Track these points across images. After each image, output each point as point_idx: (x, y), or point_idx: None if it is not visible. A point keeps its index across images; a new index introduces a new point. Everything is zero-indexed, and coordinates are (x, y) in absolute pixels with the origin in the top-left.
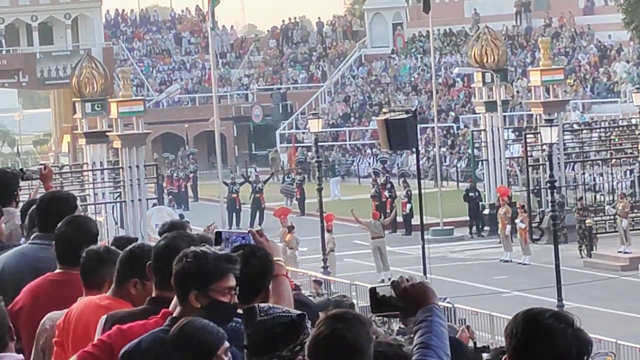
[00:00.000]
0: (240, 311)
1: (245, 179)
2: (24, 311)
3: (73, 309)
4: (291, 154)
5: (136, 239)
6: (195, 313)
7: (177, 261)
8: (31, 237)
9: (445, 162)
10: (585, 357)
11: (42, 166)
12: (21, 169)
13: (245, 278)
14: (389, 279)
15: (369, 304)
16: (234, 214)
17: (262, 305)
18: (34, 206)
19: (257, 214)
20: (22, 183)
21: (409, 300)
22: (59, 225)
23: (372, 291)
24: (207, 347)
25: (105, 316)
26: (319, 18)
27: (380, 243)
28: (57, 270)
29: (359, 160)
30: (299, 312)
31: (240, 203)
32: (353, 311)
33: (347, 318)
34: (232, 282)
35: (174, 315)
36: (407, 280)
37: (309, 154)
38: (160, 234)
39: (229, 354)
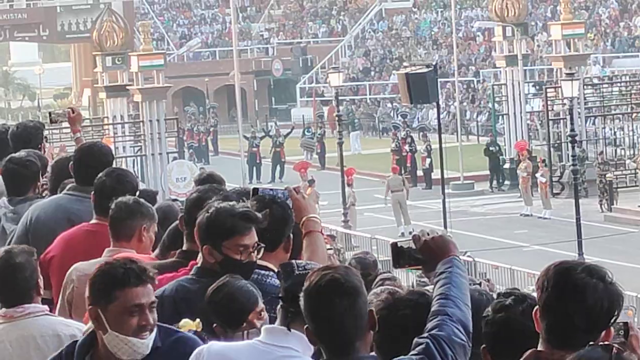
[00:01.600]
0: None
1: (265, 133)
2: (55, 259)
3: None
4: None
5: (156, 192)
6: (212, 266)
7: (200, 214)
8: (66, 188)
9: (465, 116)
10: (616, 311)
11: (70, 109)
12: (50, 112)
13: (266, 226)
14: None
15: (390, 257)
16: (254, 168)
17: (299, 261)
18: (56, 159)
19: (278, 167)
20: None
21: (430, 253)
22: (99, 175)
23: (394, 245)
24: (240, 307)
25: None
26: None
27: (400, 197)
28: (93, 221)
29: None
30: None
31: (261, 157)
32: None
33: (335, 266)
34: (248, 240)
35: (198, 265)
36: (428, 234)
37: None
38: (195, 182)
39: (265, 314)
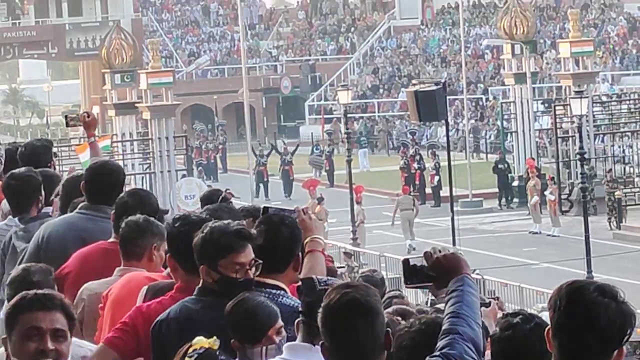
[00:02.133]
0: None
1: (273, 147)
2: (70, 276)
3: (123, 279)
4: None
5: (167, 211)
6: (212, 285)
7: (195, 235)
8: (78, 207)
9: (474, 134)
10: (628, 330)
11: (86, 113)
12: (65, 115)
13: (275, 246)
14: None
15: (402, 275)
16: (262, 185)
17: (319, 277)
18: (67, 177)
19: (287, 186)
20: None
21: (442, 270)
22: (120, 195)
23: (406, 262)
24: (261, 322)
25: (146, 287)
26: None
27: (410, 215)
28: (111, 240)
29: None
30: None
31: (268, 175)
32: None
33: (355, 285)
34: (244, 257)
35: (199, 285)
36: (440, 251)
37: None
38: (201, 200)
39: (283, 332)
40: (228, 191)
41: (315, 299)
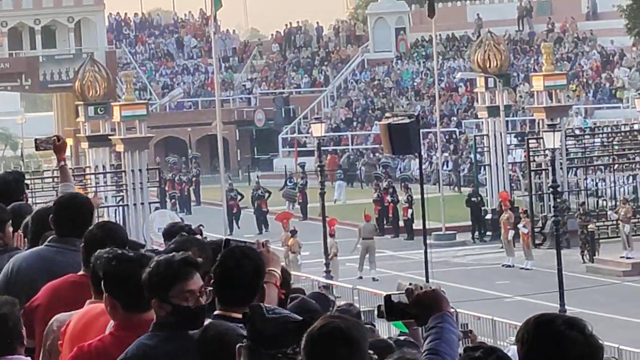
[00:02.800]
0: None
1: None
2: (40, 308)
3: (78, 313)
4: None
5: (144, 245)
6: (164, 319)
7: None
8: (47, 240)
9: (447, 167)
10: None
11: (56, 137)
12: (35, 139)
13: (239, 280)
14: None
15: (376, 308)
16: (234, 219)
17: (267, 305)
18: (36, 210)
19: (260, 219)
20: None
21: (422, 307)
22: (89, 228)
23: (387, 298)
24: (232, 347)
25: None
26: (318, 23)
27: (371, 244)
28: (81, 272)
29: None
30: (301, 318)
31: (240, 208)
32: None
33: (342, 317)
34: (193, 284)
35: (154, 322)
36: (422, 287)
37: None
38: (163, 234)
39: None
40: (199, 226)
41: (266, 325)
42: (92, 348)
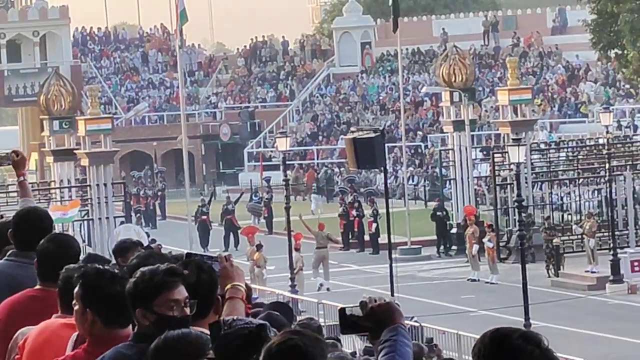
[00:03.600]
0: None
1: (212, 195)
2: (0, 324)
3: (38, 328)
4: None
5: (109, 261)
6: (147, 329)
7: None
8: (7, 254)
9: (413, 181)
10: None
11: (14, 152)
12: None
13: (197, 292)
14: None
15: (338, 323)
16: (206, 235)
17: (226, 318)
18: None
19: (231, 235)
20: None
21: (376, 319)
22: (41, 241)
23: (342, 311)
24: (194, 348)
25: (76, 333)
26: (284, 37)
27: (325, 253)
28: (37, 287)
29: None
30: (260, 322)
31: (210, 223)
32: (309, 330)
33: (302, 332)
34: (178, 294)
35: (134, 332)
36: (375, 300)
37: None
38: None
39: None
40: (158, 245)
41: (218, 344)
42: None
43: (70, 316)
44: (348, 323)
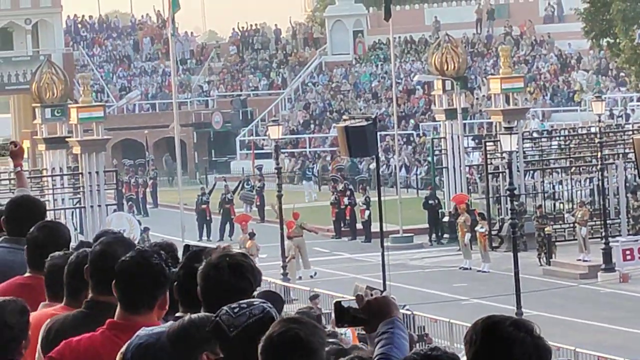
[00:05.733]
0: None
1: (214, 186)
2: None
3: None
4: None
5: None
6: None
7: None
8: None
9: (405, 169)
10: None
11: (13, 142)
12: None
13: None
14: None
15: (333, 316)
16: (205, 225)
17: (223, 317)
18: None
19: (227, 225)
20: None
21: (372, 313)
22: (31, 229)
23: (337, 304)
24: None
25: (48, 320)
26: (276, 25)
27: (300, 242)
28: (27, 274)
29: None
30: (259, 301)
31: (211, 213)
32: (308, 318)
33: (301, 320)
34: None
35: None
36: (372, 294)
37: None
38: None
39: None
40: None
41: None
42: (80, 345)
43: (57, 304)
44: (344, 315)
